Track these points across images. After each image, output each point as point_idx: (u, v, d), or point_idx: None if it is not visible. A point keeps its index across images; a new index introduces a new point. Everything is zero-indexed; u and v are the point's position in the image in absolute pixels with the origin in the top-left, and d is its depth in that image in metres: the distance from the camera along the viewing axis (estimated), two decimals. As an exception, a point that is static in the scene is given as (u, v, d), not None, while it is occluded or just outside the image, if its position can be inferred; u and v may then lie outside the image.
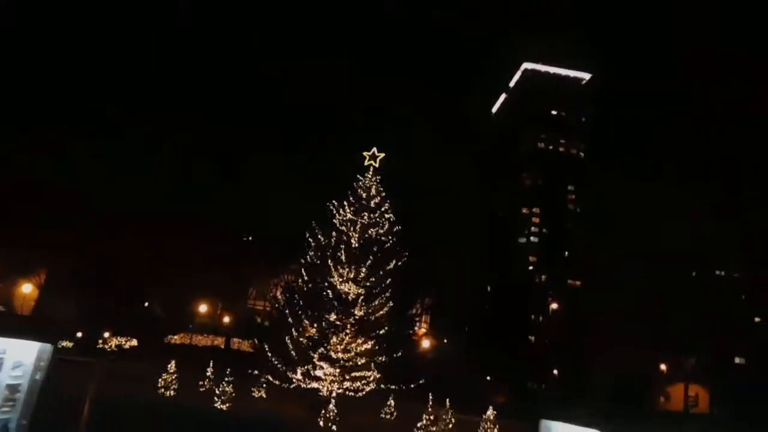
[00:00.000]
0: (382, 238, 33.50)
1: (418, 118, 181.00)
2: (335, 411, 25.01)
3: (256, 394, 33.03)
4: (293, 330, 30.89)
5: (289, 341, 30.65)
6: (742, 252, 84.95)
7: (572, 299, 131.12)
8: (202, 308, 63.53)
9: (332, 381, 30.14)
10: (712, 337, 76.44)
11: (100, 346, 48.64)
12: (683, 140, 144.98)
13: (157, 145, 59.43)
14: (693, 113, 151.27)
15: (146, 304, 59.17)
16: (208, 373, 32.65)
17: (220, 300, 64.55)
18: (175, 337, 58.15)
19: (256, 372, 32.04)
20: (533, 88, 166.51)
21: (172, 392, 27.82)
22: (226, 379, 26.86)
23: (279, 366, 30.29)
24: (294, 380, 30.22)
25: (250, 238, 69.34)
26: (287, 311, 31.61)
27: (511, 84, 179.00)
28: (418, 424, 25.99)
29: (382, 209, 34.26)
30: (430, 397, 27.16)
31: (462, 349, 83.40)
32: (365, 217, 33.57)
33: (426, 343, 66.66)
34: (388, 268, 32.71)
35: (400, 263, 33.81)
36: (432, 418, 25.85)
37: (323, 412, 25.00)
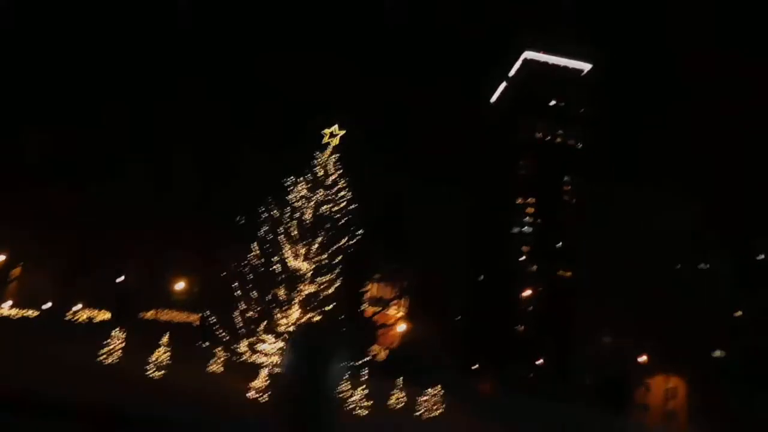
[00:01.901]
0: (336, 215, 33.71)
1: (415, 102, 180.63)
2: (266, 382, 25.24)
3: (212, 368, 33.42)
4: (241, 303, 31.21)
5: (237, 314, 31.02)
6: (726, 246, 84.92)
7: (561, 290, 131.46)
8: (179, 285, 64.01)
9: (278, 354, 30.44)
10: (692, 330, 76.61)
11: (69, 317, 49.12)
12: (678, 134, 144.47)
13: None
14: (689, 108, 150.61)
15: (122, 278, 59.55)
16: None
17: (198, 277, 64.93)
18: (149, 312, 58.65)
19: (207, 344, 32.39)
20: (533, 77, 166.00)
21: (114, 359, 28.15)
22: (163, 347, 27.18)
23: (225, 338, 30.67)
24: (239, 353, 30.55)
25: (243, 221, 69.15)
26: (236, 284, 31.89)
27: (511, 73, 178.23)
28: (352, 398, 26.36)
29: (338, 187, 34.45)
30: (366, 372, 27.55)
31: (443, 333, 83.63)
32: (320, 194, 33.75)
33: (402, 327, 67.16)
34: (339, 245, 32.99)
35: (353, 241, 34.12)
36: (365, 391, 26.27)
37: (252, 384, 25.23)
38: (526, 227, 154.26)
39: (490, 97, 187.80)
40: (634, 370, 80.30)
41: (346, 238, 33.41)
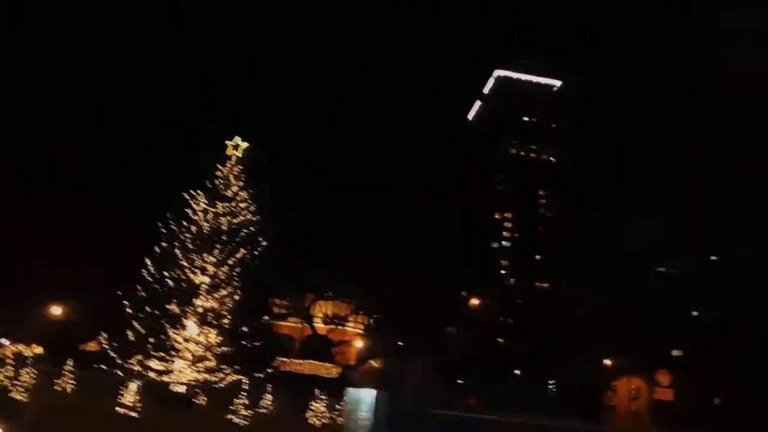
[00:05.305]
0: (234, 227, 32.89)
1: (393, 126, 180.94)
2: (137, 397, 24.13)
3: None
4: (133, 321, 30.21)
5: (129, 333, 30.00)
6: (682, 248, 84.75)
7: (539, 301, 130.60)
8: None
9: (171, 371, 29.52)
10: (649, 331, 76.43)
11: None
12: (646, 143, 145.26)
13: None
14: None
15: (59, 310, 57.57)
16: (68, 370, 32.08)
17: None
18: (92, 343, 57.06)
19: (104, 366, 31.15)
20: (505, 95, 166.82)
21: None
22: (27, 369, 26.16)
23: (116, 358, 29.63)
24: (130, 371, 29.46)
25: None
26: (126, 302, 30.88)
27: (485, 91, 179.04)
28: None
29: (238, 199, 33.74)
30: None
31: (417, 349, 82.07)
32: (219, 207, 32.99)
33: (359, 343, 65.90)
34: (237, 257, 32.07)
35: (255, 253, 33.29)
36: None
37: (122, 399, 24.16)
38: (504, 242, 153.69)
39: (467, 114, 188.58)
40: (602, 374, 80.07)
41: (246, 251, 32.50)
